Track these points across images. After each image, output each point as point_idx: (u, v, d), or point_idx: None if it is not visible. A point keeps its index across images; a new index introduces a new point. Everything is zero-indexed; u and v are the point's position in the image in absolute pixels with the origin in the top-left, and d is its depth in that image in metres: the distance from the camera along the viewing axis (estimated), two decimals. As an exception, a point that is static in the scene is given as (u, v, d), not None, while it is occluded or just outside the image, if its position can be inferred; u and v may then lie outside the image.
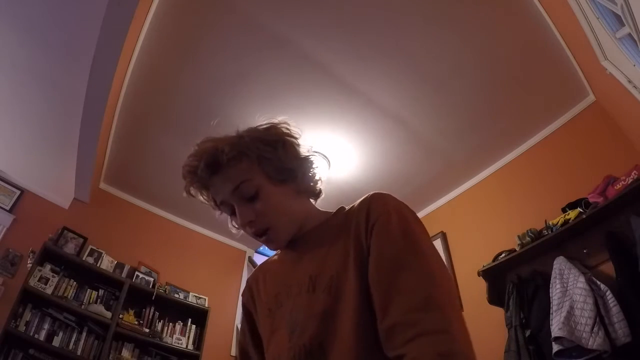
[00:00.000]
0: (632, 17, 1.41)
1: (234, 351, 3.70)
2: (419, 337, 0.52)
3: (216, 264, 4.10)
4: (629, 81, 1.81)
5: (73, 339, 2.74)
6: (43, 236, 2.99)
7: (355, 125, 2.98)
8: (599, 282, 1.92)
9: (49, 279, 2.81)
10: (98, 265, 3.13)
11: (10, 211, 3.08)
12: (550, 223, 2.29)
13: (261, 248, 4.89)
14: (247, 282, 0.90)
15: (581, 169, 2.57)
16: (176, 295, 3.46)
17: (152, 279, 3.38)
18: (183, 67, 2.64)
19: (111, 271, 3.20)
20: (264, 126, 0.80)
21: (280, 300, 0.74)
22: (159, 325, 3.25)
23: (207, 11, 2.32)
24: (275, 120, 0.80)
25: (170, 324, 3.33)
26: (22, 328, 2.57)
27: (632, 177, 1.96)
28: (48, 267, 2.88)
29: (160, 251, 3.71)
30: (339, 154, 3.19)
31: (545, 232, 2.31)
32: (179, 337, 3.30)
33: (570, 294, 1.94)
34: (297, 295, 0.70)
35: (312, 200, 0.84)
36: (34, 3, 2.00)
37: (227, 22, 2.37)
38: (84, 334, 2.79)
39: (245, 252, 4.42)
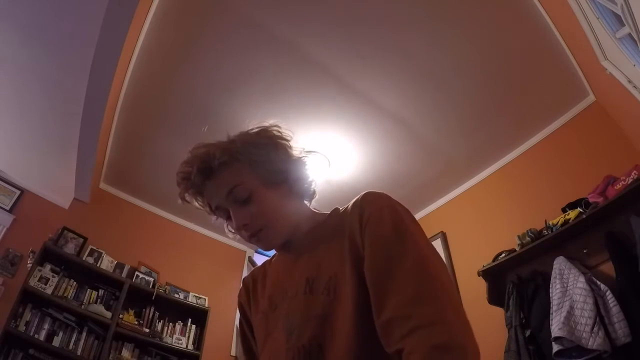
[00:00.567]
0: (632, 17, 1.41)
1: (234, 351, 3.70)
2: (414, 330, 0.52)
3: (216, 264, 4.10)
4: (629, 81, 1.81)
5: (73, 339, 2.74)
6: (43, 236, 2.99)
7: (355, 125, 2.98)
8: (599, 282, 1.92)
9: (49, 279, 2.81)
10: (98, 265, 3.13)
11: (10, 211, 3.08)
12: (550, 223, 2.28)
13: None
14: (244, 282, 0.90)
15: (581, 169, 2.57)
16: (176, 295, 3.46)
17: (152, 279, 3.38)
18: (183, 67, 2.64)
19: (111, 271, 3.20)
20: (255, 130, 0.80)
21: (275, 302, 0.74)
22: (159, 325, 3.25)
23: (207, 11, 2.32)
24: (266, 124, 0.81)
25: (170, 324, 3.33)
26: (22, 328, 2.57)
27: (632, 177, 1.96)
28: (48, 267, 2.88)
29: (160, 251, 3.71)
30: (339, 154, 3.19)
31: (545, 232, 2.31)
32: (179, 337, 3.30)
33: (570, 294, 1.94)
34: (294, 297, 0.70)
35: (306, 202, 0.84)
36: (34, 3, 2.00)
37: (227, 22, 2.37)
38: (84, 334, 2.79)
39: (245, 252, 4.42)
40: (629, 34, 1.58)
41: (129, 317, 3.08)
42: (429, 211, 3.67)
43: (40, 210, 3.23)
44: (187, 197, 0.79)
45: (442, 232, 3.36)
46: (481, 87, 2.71)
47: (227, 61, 2.58)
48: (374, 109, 2.86)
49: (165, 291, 3.40)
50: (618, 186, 2.02)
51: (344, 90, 2.73)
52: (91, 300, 2.97)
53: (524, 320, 2.17)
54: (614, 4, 1.51)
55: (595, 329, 1.76)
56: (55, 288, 2.82)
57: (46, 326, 2.68)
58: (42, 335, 2.62)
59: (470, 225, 3.21)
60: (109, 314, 2.93)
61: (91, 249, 3.20)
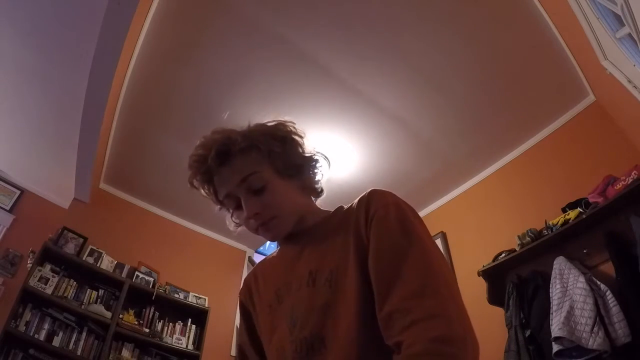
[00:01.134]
0: (632, 17, 1.41)
1: (234, 351, 3.70)
2: (415, 323, 0.52)
3: (216, 264, 4.10)
4: (629, 81, 1.81)
5: (73, 339, 2.74)
6: (43, 236, 2.99)
7: (355, 125, 2.98)
8: (599, 282, 1.92)
9: (49, 279, 2.81)
10: (98, 265, 3.13)
11: (10, 211, 3.08)
12: (550, 223, 2.28)
13: (261, 248, 4.89)
14: (245, 280, 0.90)
15: (581, 169, 2.57)
16: (176, 295, 3.46)
17: (152, 279, 3.38)
18: (183, 67, 2.64)
19: (111, 271, 3.20)
20: (273, 123, 0.81)
21: (281, 296, 0.75)
22: (159, 325, 3.25)
23: (207, 12, 2.32)
24: (282, 119, 0.82)
25: (170, 324, 3.33)
26: (22, 328, 2.57)
27: (632, 177, 1.96)
28: (48, 267, 2.88)
29: (160, 251, 3.71)
30: (339, 154, 3.19)
31: (545, 232, 2.31)
32: (179, 337, 3.30)
33: (570, 294, 1.94)
34: (298, 290, 0.71)
35: (313, 199, 0.86)
36: (34, 4, 2.00)
37: (227, 22, 2.37)
38: (84, 334, 2.79)
39: (245, 252, 4.43)
40: (629, 34, 1.58)
41: (129, 317, 3.08)
42: (429, 211, 3.67)
43: (40, 210, 3.23)
44: (196, 182, 0.79)
45: (442, 232, 3.36)
46: (481, 87, 2.71)
47: (228, 61, 2.58)
48: (374, 109, 2.86)
49: (165, 291, 3.40)
50: (618, 186, 2.02)
51: (344, 90, 2.73)
52: (91, 300, 2.97)
53: (524, 320, 2.17)
54: (614, 4, 1.51)
55: (595, 329, 1.77)
56: (55, 288, 2.82)
57: (46, 326, 2.68)
58: (42, 335, 2.62)
59: (470, 225, 3.21)
60: (109, 314, 2.93)
61: (91, 249, 3.20)
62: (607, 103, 2.55)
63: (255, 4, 2.29)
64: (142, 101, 2.89)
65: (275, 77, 2.66)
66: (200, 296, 3.65)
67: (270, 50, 2.51)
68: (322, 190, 0.85)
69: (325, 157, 3.17)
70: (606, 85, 2.29)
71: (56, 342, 2.66)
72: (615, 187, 2.04)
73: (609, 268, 2.00)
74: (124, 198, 3.78)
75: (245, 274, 4.27)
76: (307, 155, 0.81)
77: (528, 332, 2.11)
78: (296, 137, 0.81)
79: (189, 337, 3.35)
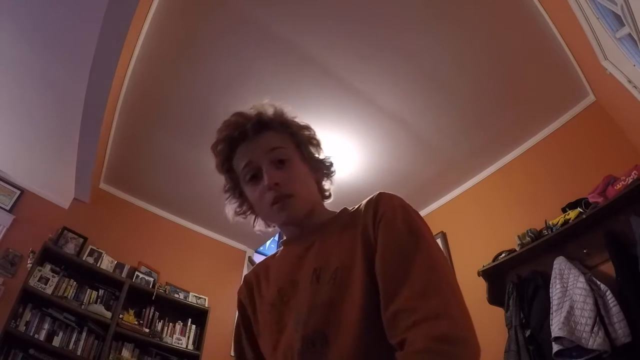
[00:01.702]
0: (632, 17, 1.41)
1: (234, 351, 3.70)
2: (418, 322, 0.54)
3: (216, 264, 4.10)
4: (629, 81, 1.81)
5: (73, 339, 2.74)
6: (43, 236, 2.99)
7: (355, 125, 2.98)
8: (599, 282, 1.92)
9: (49, 279, 2.81)
10: (98, 265, 3.13)
11: (10, 211, 3.08)
12: (550, 223, 2.28)
13: (261, 248, 4.89)
14: (245, 278, 0.90)
15: (581, 169, 2.57)
16: (176, 295, 3.46)
17: (152, 279, 3.38)
18: (183, 67, 2.64)
19: (111, 271, 3.20)
20: (303, 124, 0.87)
21: (285, 295, 0.75)
22: (159, 325, 3.25)
23: (207, 11, 2.32)
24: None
25: (170, 324, 3.34)
26: (22, 328, 2.57)
27: (632, 177, 1.96)
28: (48, 267, 2.88)
29: (160, 251, 3.71)
30: (340, 154, 3.19)
31: (545, 232, 2.31)
32: (179, 337, 3.30)
33: (570, 294, 1.94)
34: (303, 289, 0.71)
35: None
36: (34, 3, 2.00)
37: (227, 22, 2.37)
38: (84, 334, 2.79)
39: (245, 252, 4.43)
40: (629, 34, 1.58)
41: (129, 317, 3.08)
42: (429, 211, 3.67)
43: (40, 210, 3.23)
44: (222, 146, 0.81)
45: (442, 232, 3.36)
46: (480, 87, 2.71)
47: (228, 61, 2.58)
48: (374, 108, 2.86)
49: (165, 291, 3.40)
50: (618, 186, 2.02)
51: (344, 90, 2.73)
52: (91, 300, 2.97)
53: (524, 320, 2.17)
54: (614, 4, 1.51)
55: (595, 329, 1.77)
56: (55, 288, 2.82)
57: (46, 326, 2.68)
58: (42, 335, 2.62)
59: (470, 225, 3.21)
60: (109, 314, 2.93)
61: (91, 249, 3.20)
62: (607, 103, 2.55)
63: (255, 4, 2.29)
64: (142, 101, 2.89)
65: (275, 76, 2.66)
66: (200, 296, 3.65)
67: (270, 50, 2.51)
68: (330, 195, 0.89)
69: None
70: (606, 85, 2.29)
71: (56, 342, 2.66)
72: (615, 187, 2.04)
73: (609, 268, 2.00)
74: (124, 198, 3.78)
75: (245, 273, 4.26)
76: (325, 157, 0.87)
77: (528, 332, 2.11)
78: (318, 140, 0.87)
79: (189, 337, 3.35)
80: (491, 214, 3.10)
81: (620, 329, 1.73)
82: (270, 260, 0.89)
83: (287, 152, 0.79)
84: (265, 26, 2.38)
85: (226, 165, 0.83)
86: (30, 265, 2.80)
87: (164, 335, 3.22)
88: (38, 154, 3.05)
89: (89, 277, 3.06)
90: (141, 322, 3.16)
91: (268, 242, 5.32)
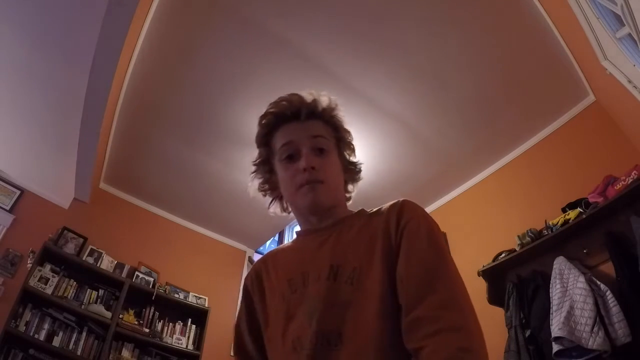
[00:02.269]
0: (632, 17, 1.41)
1: (234, 351, 3.70)
2: (440, 332, 0.57)
3: (216, 264, 4.10)
4: (629, 81, 1.81)
5: (73, 339, 2.74)
6: (43, 236, 2.99)
7: (355, 125, 2.94)
8: (599, 282, 1.92)
9: (49, 279, 2.81)
10: (98, 265, 3.13)
11: (10, 211, 3.08)
12: (550, 223, 2.28)
13: (261, 248, 4.89)
14: (254, 266, 0.90)
15: (581, 169, 2.57)
16: (176, 295, 3.46)
17: (152, 279, 3.38)
18: (183, 67, 2.64)
19: (111, 271, 3.20)
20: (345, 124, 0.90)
21: (295, 285, 0.75)
22: (159, 325, 3.25)
23: (207, 11, 2.32)
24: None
25: (170, 324, 3.34)
26: (22, 328, 2.57)
27: (632, 177, 1.96)
28: (48, 267, 2.88)
29: (160, 251, 3.71)
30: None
31: (545, 232, 2.31)
32: (179, 337, 3.30)
33: (570, 294, 1.94)
34: (316, 282, 0.72)
35: None
36: (34, 3, 2.00)
37: (227, 22, 2.37)
38: (84, 334, 2.79)
39: (245, 252, 4.43)
40: (629, 34, 1.58)
41: (129, 317, 3.09)
42: (429, 211, 3.65)
43: (40, 210, 3.23)
44: (269, 118, 0.84)
45: (442, 232, 3.35)
46: (480, 87, 2.71)
47: (227, 61, 2.58)
48: (374, 108, 2.86)
49: (165, 291, 3.40)
50: (618, 186, 2.02)
51: (344, 89, 2.73)
52: (91, 300, 2.97)
53: (524, 320, 2.17)
54: (614, 4, 1.51)
55: (595, 329, 1.77)
56: (55, 288, 2.82)
57: (46, 326, 2.68)
58: (42, 335, 2.62)
59: (470, 225, 3.20)
60: (109, 314, 2.93)
61: (91, 249, 3.20)
62: (607, 103, 2.55)
63: (255, 4, 2.29)
64: (142, 101, 2.89)
65: (275, 76, 2.66)
66: (200, 296, 3.65)
67: (270, 50, 2.51)
68: (350, 198, 0.91)
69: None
70: (606, 85, 2.29)
71: (56, 342, 2.66)
72: (615, 187, 2.04)
73: (609, 268, 2.00)
74: (124, 198, 3.78)
75: (245, 274, 4.26)
76: (358, 162, 0.90)
77: (528, 332, 2.11)
78: (354, 146, 0.91)
79: (189, 337, 3.35)
80: (491, 214, 3.10)
81: (620, 329, 1.73)
82: (281, 250, 0.89)
83: (328, 144, 0.82)
84: (265, 26, 2.38)
85: (265, 138, 0.85)
86: (30, 265, 2.80)
87: (164, 335, 3.22)
88: (38, 154, 3.05)
89: (89, 277, 3.06)
90: (141, 322, 3.16)
91: (268, 242, 5.31)
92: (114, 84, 2.33)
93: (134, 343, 3.05)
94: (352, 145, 0.90)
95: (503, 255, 2.49)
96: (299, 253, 0.82)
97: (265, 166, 0.87)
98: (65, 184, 3.21)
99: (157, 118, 3.04)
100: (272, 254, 0.90)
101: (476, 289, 2.57)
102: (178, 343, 3.25)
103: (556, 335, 1.86)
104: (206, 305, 3.59)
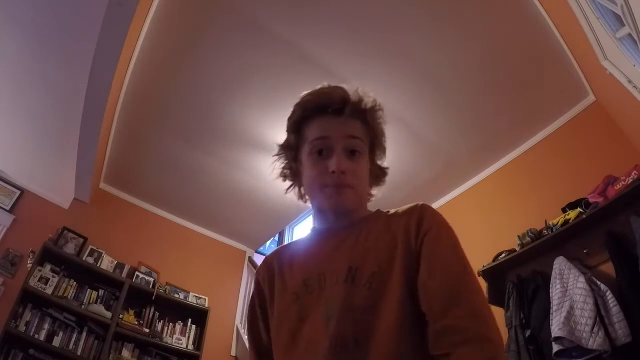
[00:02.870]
0: (632, 17, 1.41)
1: (234, 351, 3.70)
2: (468, 341, 0.58)
3: (216, 264, 4.10)
4: (629, 81, 1.81)
5: (73, 339, 2.74)
6: (43, 236, 2.99)
7: (355, 125, 2.98)
8: (599, 282, 1.92)
9: (49, 279, 2.81)
10: (98, 265, 3.13)
11: (10, 211, 3.08)
12: (550, 223, 2.28)
13: (261, 248, 4.89)
14: (266, 260, 0.88)
15: (581, 169, 2.57)
16: (176, 295, 3.46)
17: (152, 279, 3.38)
18: (183, 67, 2.65)
19: (111, 271, 3.20)
20: (383, 129, 0.87)
21: (311, 286, 0.73)
22: (159, 325, 3.25)
23: (207, 11, 2.32)
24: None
25: (170, 324, 3.34)
26: (22, 328, 2.57)
27: (632, 177, 1.96)
28: (48, 267, 2.88)
29: (160, 251, 3.71)
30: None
31: (545, 232, 2.31)
32: (179, 337, 3.30)
33: (570, 294, 1.94)
34: (334, 285, 0.70)
35: None
36: (34, 3, 2.00)
37: (227, 22, 2.37)
38: (84, 334, 2.80)
39: (245, 252, 4.43)
40: (629, 34, 1.58)
41: (129, 317, 3.09)
42: (429, 211, 3.67)
43: (40, 210, 3.23)
44: (312, 107, 0.80)
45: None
46: (480, 87, 2.71)
47: (228, 61, 2.58)
48: (374, 109, 2.86)
49: (165, 291, 3.40)
50: (618, 186, 2.02)
51: (344, 90, 2.73)
52: (91, 300, 2.98)
53: (524, 320, 2.17)
54: (614, 4, 1.51)
55: (595, 329, 1.76)
56: (55, 288, 2.83)
57: (46, 326, 2.68)
58: (42, 335, 2.63)
59: (470, 225, 3.20)
60: (109, 314, 2.93)
61: (91, 249, 3.20)
62: (607, 103, 2.55)
63: (255, 4, 2.29)
64: (142, 101, 2.89)
65: (275, 76, 2.66)
66: (200, 296, 3.65)
67: (270, 50, 2.51)
68: (370, 200, 0.90)
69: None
70: (606, 85, 2.29)
71: (56, 342, 2.66)
72: (615, 187, 2.03)
73: (609, 268, 2.00)
74: (124, 198, 3.78)
75: (245, 274, 4.27)
76: (386, 167, 0.88)
77: (528, 332, 2.11)
78: (385, 149, 0.88)
79: (189, 337, 3.35)
80: (491, 214, 3.10)
81: (620, 329, 1.73)
82: (295, 246, 0.87)
83: (363, 147, 0.80)
84: (266, 26, 2.38)
85: (297, 125, 0.82)
86: (30, 265, 2.81)
87: (164, 335, 3.22)
88: (38, 154, 3.05)
89: (89, 277, 3.06)
90: (141, 322, 3.16)
91: (268, 242, 5.31)
92: (114, 84, 2.33)
93: (134, 343, 3.05)
94: (384, 148, 0.88)
95: (503, 255, 2.49)
96: (316, 252, 0.80)
97: (290, 152, 0.84)
98: (65, 184, 3.21)
99: (157, 118, 3.04)
100: (285, 249, 0.87)
101: (476, 289, 2.57)
102: (178, 343, 3.26)
103: (556, 335, 1.86)
104: (206, 305, 3.59)
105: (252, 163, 3.33)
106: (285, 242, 0.92)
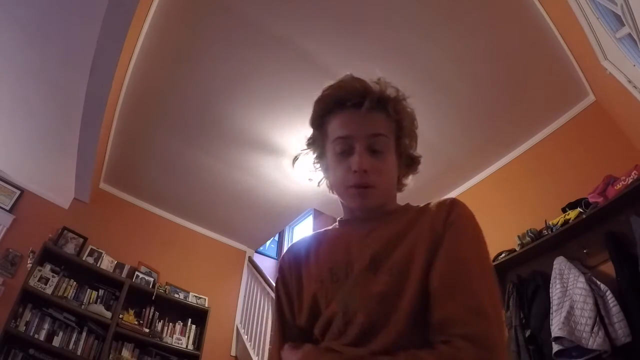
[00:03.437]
0: (632, 17, 1.41)
1: (234, 351, 3.70)
2: (470, 337, 0.57)
3: (216, 264, 4.10)
4: (629, 81, 1.81)
5: (73, 339, 2.74)
6: (43, 236, 2.99)
7: (355, 125, 2.98)
8: (599, 282, 1.92)
9: (49, 279, 2.81)
10: (98, 265, 3.13)
11: (10, 211, 3.08)
12: (550, 223, 2.28)
13: (261, 248, 4.89)
14: (293, 247, 0.88)
15: (581, 169, 2.57)
16: (176, 295, 3.46)
17: (152, 279, 3.38)
18: (183, 67, 2.64)
19: (111, 271, 3.20)
20: (411, 110, 0.85)
21: (337, 274, 0.74)
22: (159, 325, 3.25)
23: (207, 11, 2.32)
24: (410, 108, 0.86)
25: (170, 324, 3.34)
26: (22, 328, 2.57)
27: (632, 177, 1.96)
28: (48, 267, 2.88)
29: (160, 251, 3.71)
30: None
31: (545, 232, 2.31)
32: (179, 337, 3.30)
33: (570, 294, 1.94)
34: (358, 273, 0.71)
35: None
36: (34, 4, 2.00)
37: (227, 22, 2.37)
38: (84, 334, 2.80)
39: (245, 252, 4.43)
40: (629, 34, 1.58)
41: (129, 317, 3.09)
42: (429, 211, 3.67)
43: (40, 210, 3.23)
44: (332, 102, 0.79)
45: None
46: (480, 87, 2.71)
47: (228, 60, 2.58)
48: (374, 109, 2.86)
49: (165, 291, 3.40)
50: (618, 186, 2.02)
51: (344, 90, 2.73)
52: (91, 300, 2.98)
53: (524, 320, 2.17)
54: (614, 4, 1.51)
55: (595, 329, 1.77)
56: (55, 288, 2.83)
57: (46, 326, 2.68)
58: (42, 335, 2.63)
59: (470, 225, 3.20)
60: (109, 314, 2.93)
61: (91, 249, 3.20)
62: (607, 103, 2.55)
63: (255, 4, 2.29)
64: (142, 101, 2.89)
65: (275, 76, 2.66)
66: (200, 296, 3.65)
67: (269, 49, 2.51)
68: (402, 190, 0.88)
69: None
70: (606, 85, 2.29)
71: (56, 342, 2.66)
72: (615, 187, 2.03)
73: (609, 268, 2.00)
74: (124, 198, 3.78)
75: (245, 273, 4.27)
76: (418, 155, 0.85)
77: (528, 332, 2.11)
78: (417, 134, 0.84)
79: (189, 337, 3.35)
80: (491, 214, 3.09)
81: (620, 329, 1.73)
82: (322, 235, 0.87)
83: (387, 144, 0.77)
84: (265, 26, 2.38)
85: (320, 121, 0.82)
86: (30, 265, 2.81)
87: (164, 335, 3.22)
88: (38, 154, 3.05)
89: (89, 277, 3.06)
90: (141, 322, 3.16)
91: (268, 242, 5.32)
92: (114, 84, 2.33)
93: (134, 343, 3.05)
94: (415, 134, 0.84)
95: (503, 255, 2.49)
96: (344, 242, 0.79)
97: (317, 148, 0.84)
98: (65, 184, 3.21)
99: (157, 118, 3.04)
100: (311, 239, 0.87)
101: (476, 289, 2.57)
102: (178, 343, 3.26)
103: (556, 335, 1.86)
104: (206, 305, 3.59)
105: (252, 163, 3.33)
106: (312, 233, 0.91)
